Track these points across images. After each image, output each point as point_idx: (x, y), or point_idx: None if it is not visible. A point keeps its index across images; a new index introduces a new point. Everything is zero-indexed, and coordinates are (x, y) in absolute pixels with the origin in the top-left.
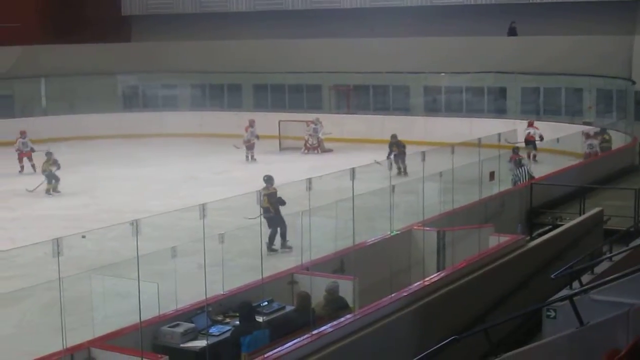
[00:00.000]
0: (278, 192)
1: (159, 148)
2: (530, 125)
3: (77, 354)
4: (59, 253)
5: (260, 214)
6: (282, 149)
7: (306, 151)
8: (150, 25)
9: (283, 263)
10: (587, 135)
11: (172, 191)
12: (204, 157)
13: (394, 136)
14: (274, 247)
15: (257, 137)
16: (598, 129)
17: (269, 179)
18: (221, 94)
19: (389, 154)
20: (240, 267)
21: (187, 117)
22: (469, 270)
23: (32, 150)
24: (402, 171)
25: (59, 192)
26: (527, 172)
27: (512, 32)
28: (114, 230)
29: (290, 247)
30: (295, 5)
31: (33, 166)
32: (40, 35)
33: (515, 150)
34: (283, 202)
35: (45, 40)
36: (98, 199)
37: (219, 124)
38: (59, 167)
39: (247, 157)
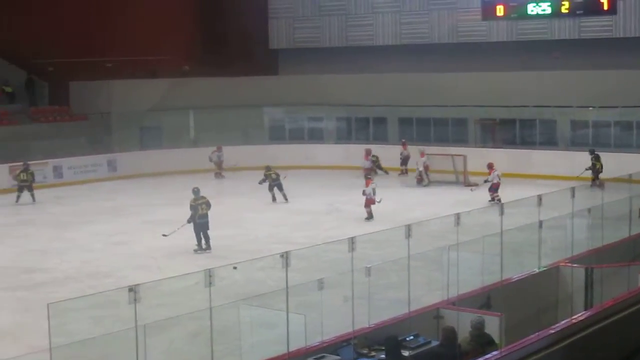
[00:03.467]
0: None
1: (305, 180)
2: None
3: None
4: (210, 283)
5: None
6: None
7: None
8: (297, 59)
9: (429, 297)
10: None
11: (317, 223)
12: (348, 190)
13: (268, 167)
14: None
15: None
16: None
17: (197, 191)
18: (367, 126)
19: (262, 181)
20: (386, 300)
21: (332, 150)
22: (618, 309)
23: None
24: (284, 198)
25: None
26: None
27: None
28: (261, 261)
29: (209, 247)
30: (442, 38)
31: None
32: (189, 68)
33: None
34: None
35: (193, 73)
36: (244, 230)
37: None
38: None
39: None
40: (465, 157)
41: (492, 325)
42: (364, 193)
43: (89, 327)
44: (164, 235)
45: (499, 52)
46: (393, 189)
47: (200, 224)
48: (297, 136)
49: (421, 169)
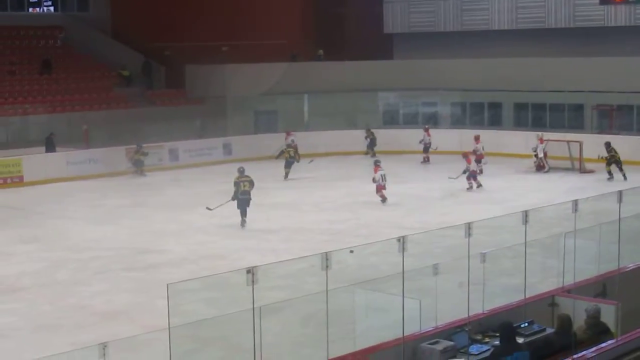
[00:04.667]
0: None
1: (419, 165)
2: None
3: None
4: (327, 266)
5: None
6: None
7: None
8: (412, 43)
9: (543, 285)
10: None
11: (430, 208)
12: (462, 175)
13: (288, 145)
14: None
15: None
16: None
17: (243, 170)
18: (481, 112)
19: (279, 156)
20: (500, 286)
21: (446, 135)
22: None
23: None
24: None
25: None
26: None
27: None
28: (374, 245)
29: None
30: (558, 23)
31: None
32: (305, 52)
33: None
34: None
35: (309, 57)
36: (357, 214)
37: None
38: None
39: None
40: (581, 143)
41: (608, 314)
42: (373, 180)
43: (203, 308)
44: (208, 209)
45: (617, 37)
46: (508, 175)
47: (242, 199)
48: (411, 121)
49: (541, 155)
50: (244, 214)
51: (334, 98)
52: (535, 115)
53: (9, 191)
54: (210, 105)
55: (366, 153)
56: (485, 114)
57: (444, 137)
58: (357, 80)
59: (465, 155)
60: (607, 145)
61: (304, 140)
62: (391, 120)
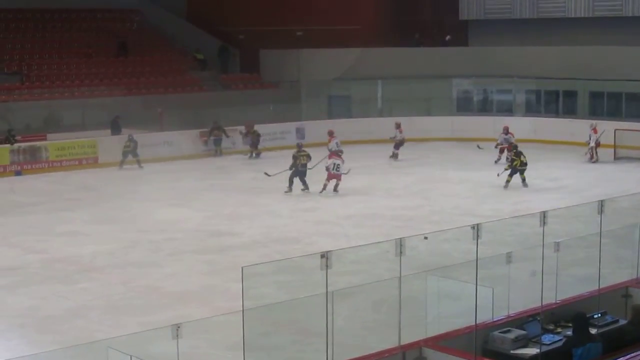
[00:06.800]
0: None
1: (492, 152)
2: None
3: (409, 352)
4: (401, 252)
5: None
6: (617, 158)
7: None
8: (488, 30)
9: (616, 276)
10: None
11: (504, 196)
12: (536, 164)
13: (215, 122)
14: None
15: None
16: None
17: (301, 145)
18: (556, 100)
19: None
20: (573, 276)
21: (521, 123)
22: None
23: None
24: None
25: None
26: None
27: None
28: (447, 232)
29: (308, 189)
30: (636, 11)
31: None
32: (379, 38)
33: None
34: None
35: (383, 42)
36: (430, 201)
37: (553, 131)
38: None
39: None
40: None
41: None
42: (327, 169)
43: (276, 291)
44: (266, 174)
45: None
46: (582, 165)
47: (299, 171)
48: (485, 108)
49: (593, 144)
50: (301, 183)
51: (407, 84)
52: (611, 104)
53: (84, 172)
54: (284, 89)
55: (250, 153)
56: (560, 102)
57: (518, 125)
58: (431, 67)
59: (330, 134)
60: (514, 148)
61: (377, 126)
62: (465, 107)
